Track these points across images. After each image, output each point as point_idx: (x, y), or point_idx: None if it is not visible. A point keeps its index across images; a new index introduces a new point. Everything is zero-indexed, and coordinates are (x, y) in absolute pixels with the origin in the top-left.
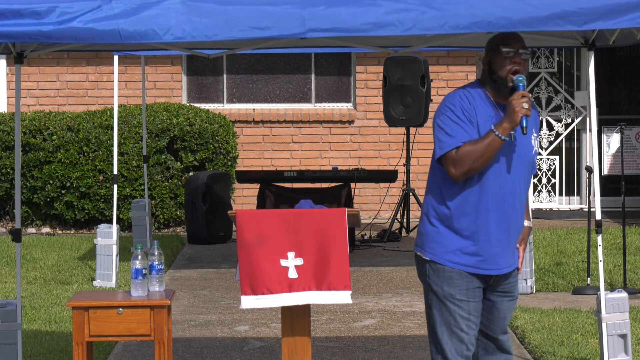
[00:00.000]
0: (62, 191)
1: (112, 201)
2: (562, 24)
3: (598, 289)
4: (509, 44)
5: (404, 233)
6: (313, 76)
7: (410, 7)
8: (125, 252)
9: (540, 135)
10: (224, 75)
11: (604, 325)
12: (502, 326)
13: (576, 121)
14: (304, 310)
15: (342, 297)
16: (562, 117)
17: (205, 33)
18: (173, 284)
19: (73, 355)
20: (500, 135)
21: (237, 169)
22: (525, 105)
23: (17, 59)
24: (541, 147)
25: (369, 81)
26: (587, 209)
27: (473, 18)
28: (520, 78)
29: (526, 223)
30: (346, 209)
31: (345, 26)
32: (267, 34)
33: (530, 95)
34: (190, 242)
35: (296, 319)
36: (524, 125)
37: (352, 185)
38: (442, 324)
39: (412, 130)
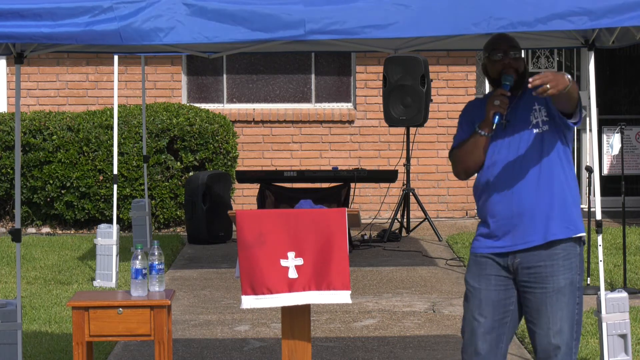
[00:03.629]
0: (62, 191)
1: (112, 201)
2: (562, 24)
3: (598, 289)
4: (496, 47)
5: (404, 233)
6: (313, 76)
7: (409, 9)
8: (125, 252)
9: None
10: (224, 75)
11: (604, 325)
12: (543, 324)
13: None
14: (304, 310)
15: (342, 297)
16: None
17: (206, 35)
18: (173, 284)
19: (73, 355)
20: (480, 131)
21: (237, 169)
22: (497, 102)
23: (17, 59)
24: None
25: (369, 81)
26: (587, 209)
27: (473, 19)
28: (506, 77)
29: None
30: (346, 209)
31: (345, 28)
32: (267, 36)
33: (507, 93)
34: (190, 242)
35: (296, 319)
36: (495, 121)
37: (352, 185)
38: (464, 314)
39: (412, 130)
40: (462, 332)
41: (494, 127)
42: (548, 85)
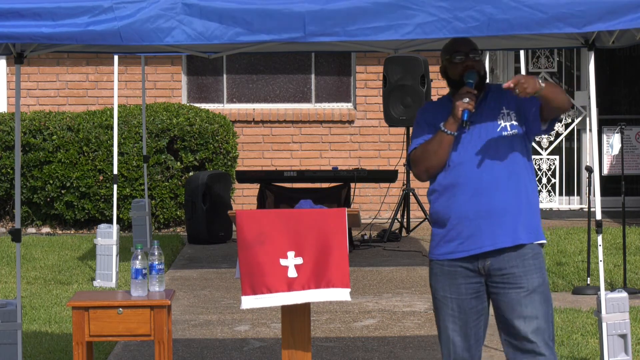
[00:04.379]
0: (62, 191)
1: (112, 201)
2: (561, 27)
3: (598, 289)
4: (457, 50)
5: (404, 233)
6: (313, 76)
7: (410, 11)
8: (125, 252)
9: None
10: (224, 75)
11: (604, 325)
12: (518, 324)
13: (576, 121)
14: (304, 310)
15: (341, 294)
16: (562, 117)
17: (206, 36)
18: (173, 284)
19: (73, 355)
20: (446, 130)
21: (237, 169)
22: (466, 100)
23: (17, 59)
24: (541, 147)
25: (369, 81)
26: (587, 209)
27: (472, 22)
28: (469, 74)
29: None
30: (346, 209)
31: (345, 30)
32: (267, 37)
33: (474, 90)
34: (190, 242)
35: (296, 318)
36: (465, 119)
37: (352, 185)
38: (436, 322)
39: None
40: (439, 342)
41: (464, 124)
42: (517, 89)
